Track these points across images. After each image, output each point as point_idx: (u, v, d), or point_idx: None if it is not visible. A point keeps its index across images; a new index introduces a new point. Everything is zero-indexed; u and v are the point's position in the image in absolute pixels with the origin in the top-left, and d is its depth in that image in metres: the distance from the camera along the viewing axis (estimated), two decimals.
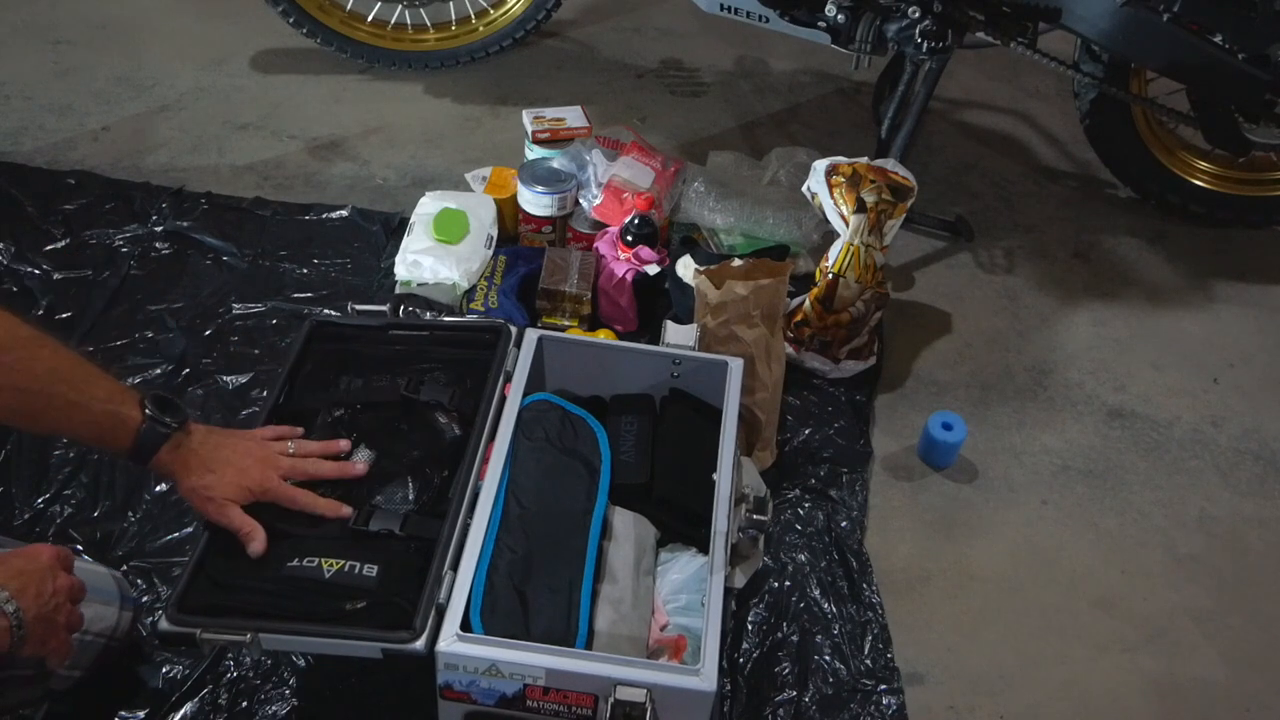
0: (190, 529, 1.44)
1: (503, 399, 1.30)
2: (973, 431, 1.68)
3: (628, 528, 1.26)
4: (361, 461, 1.22)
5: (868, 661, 1.39)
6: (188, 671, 1.29)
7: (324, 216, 1.99)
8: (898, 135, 1.97)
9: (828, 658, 1.39)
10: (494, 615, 1.11)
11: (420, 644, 1.04)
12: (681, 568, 1.26)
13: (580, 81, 2.46)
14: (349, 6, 2.32)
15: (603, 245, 1.81)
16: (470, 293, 1.75)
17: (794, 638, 1.40)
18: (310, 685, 1.30)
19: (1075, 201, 2.24)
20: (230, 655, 1.31)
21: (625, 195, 1.83)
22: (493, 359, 1.33)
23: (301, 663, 1.32)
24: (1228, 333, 1.96)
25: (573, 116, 2.03)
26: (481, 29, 2.40)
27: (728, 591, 1.34)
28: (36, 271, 1.82)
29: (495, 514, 1.19)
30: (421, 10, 2.36)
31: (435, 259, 1.73)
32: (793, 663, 1.38)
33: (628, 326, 1.79)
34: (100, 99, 2.27)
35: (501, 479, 1.22)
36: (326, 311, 1.75)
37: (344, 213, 1.99)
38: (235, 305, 1.79)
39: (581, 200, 1.88)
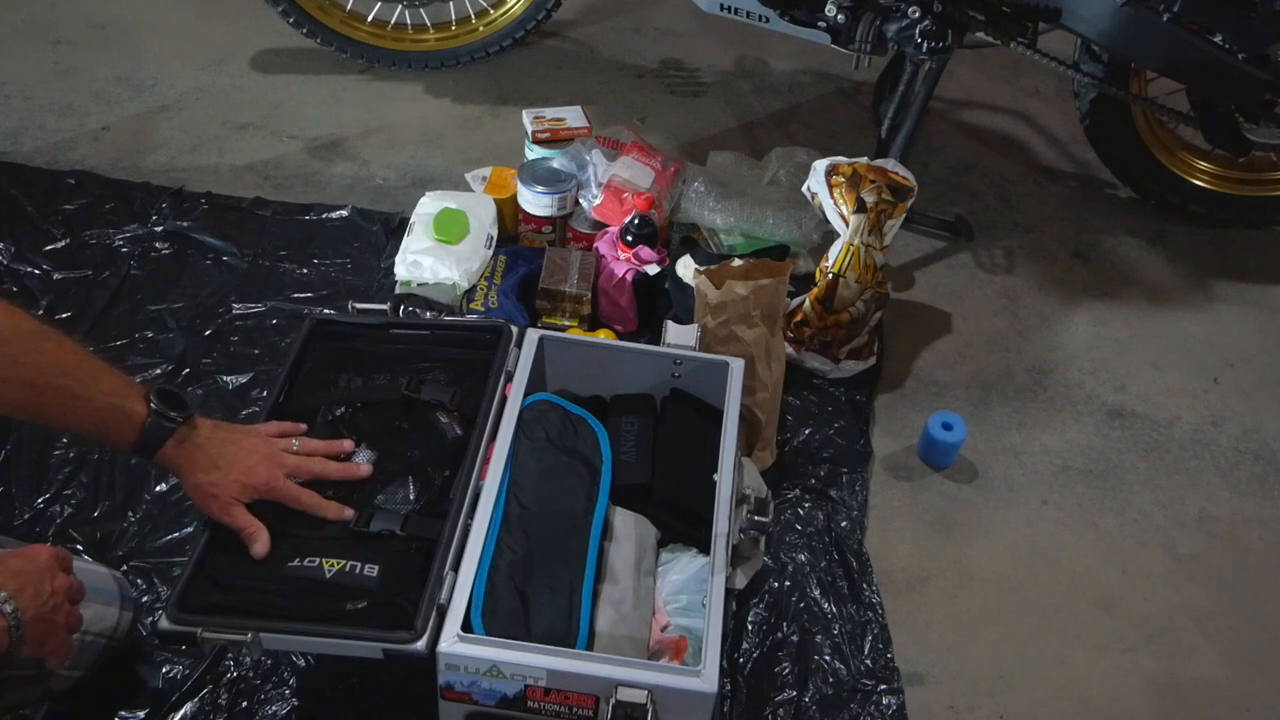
0: (190, 529, 1.44)
1: (503, 399, 1.30)
2: (973, 431, 1.68)
3: (628, 528, 1.26)
4: (365, 463, 1.22)
5: (868, 661, 1.39)
6: (188, 671, 1.29)
7: (324, 216, 1.99)
8: (898, 135, 1.97)
9: (828, 658, 1.39)
10: (495, 616, 1.11)
11: (421, 644, 1.04)
12: (682, 568, 1.26)
13: (580, 81, 2.46)
14: (349, 6, 2.32)
15: (603, 245, 1.81)
16: (470, 293, 1.75)
17: (794, 638, 1.40)
18: (310, 685, 1.30)
19: (1075, 201, 2.24)
20: (230, 655, 1.31)
21: (625, 195, 1.83)
22: (493, 359, 1.33)
23: (301, 663, 1.32)
24: (1228, 333, 1.96)
25: (573, 116, 2.03)
26: (481, 29, 2.40)
27: (728, 592, 1.34)
28: (36, 271, 1.82)
29: (496, 514, 1.19)
30: (421, 10, 2.36)
31: (435, 259, 1.73)
32: (793, 663, 1.38)
33: (628, 326, 1.79)
34: (100, 99, 2.27)
35: (502, 479, 1.22)
36: (327, 311, 1.75)
37: (344, 213, 1.99)
38: (235, 305, 1.79)
39: (581, 200, 1.88)
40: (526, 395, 1.32)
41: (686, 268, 1.75)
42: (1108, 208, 2.23)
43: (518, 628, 1.11)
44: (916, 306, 1.95)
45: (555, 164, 1.91)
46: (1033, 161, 2.35)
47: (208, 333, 1.74)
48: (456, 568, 1.12)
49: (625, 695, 1.04)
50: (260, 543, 1.11)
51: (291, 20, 2.26)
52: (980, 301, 1.97)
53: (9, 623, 0.92)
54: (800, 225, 1.87)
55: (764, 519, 1.28)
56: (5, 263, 1.82)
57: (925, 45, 1.84)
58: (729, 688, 1.34)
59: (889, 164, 1.78)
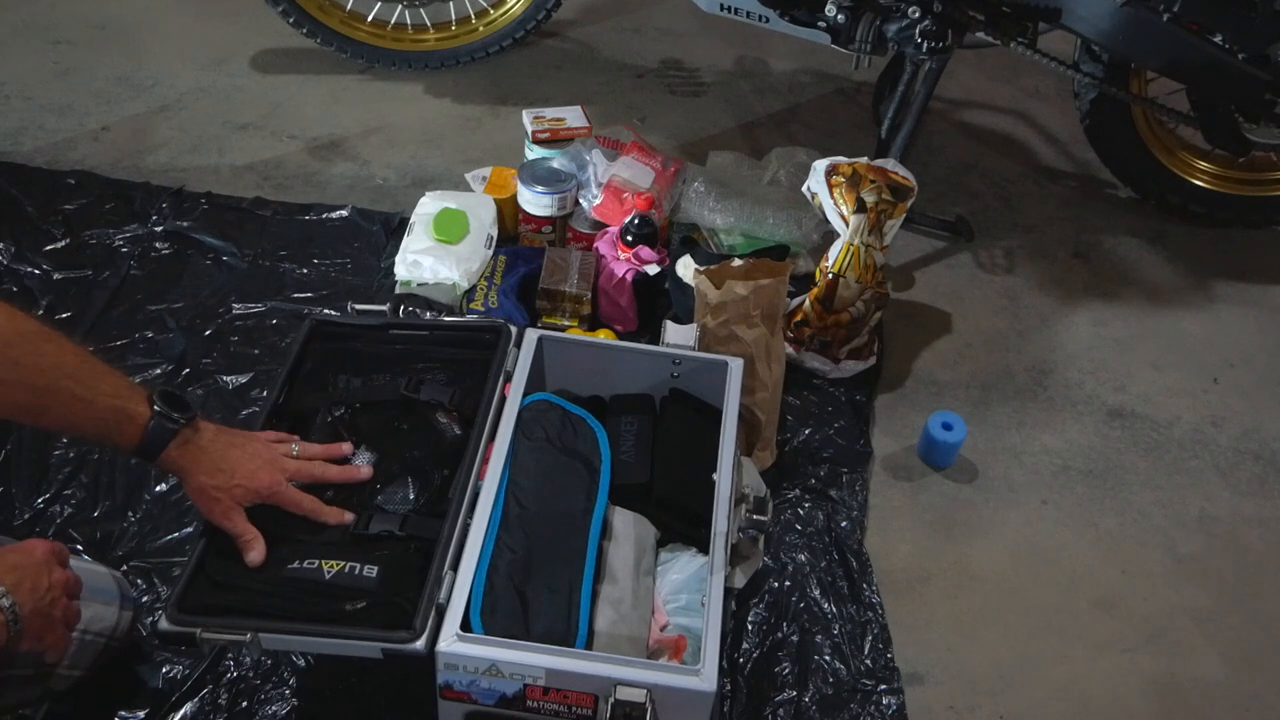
0: (190, 529, 1.44)
1: (503, 399, 1.30)
2: (973, 431, 1.68)
3: (628, 528, 1.26)
4: (365, 465, 1.22)
5: (868, 661, 1.39)
6: (188, 671, 1.29)
7: (324, 216, 1.99)
8: (898, 135, 1.97)
9: (828, 658, 1.39)
10: (494, 615, 1.11)
11: (420, 644, 1.04)
12: (681, 568, 1.26)
13: (580, 81, 2.46)
14: (349, 6, 2.32)
15: (603, 245, 1.81)
16: (470, 293, 1.75)
17: (794, 638, 1.40)
18: (310, 685, 1.30)
19: (1075, 201, 2.24)
20: (230, 655, 1.31)
21: (625, 195, 1.83)
22: (493, 359, 1.33)
23: (301, 663, 1.32)
24: (1228, 333, 1.96)
25: (573, 116, 2.03)
26: (481, 29, 2.40)
27: (728, 592, 1.34)
28: (36, 271, 1.82)
29: (495, 514, 1.19)
30: (421, 10, 2.36)
31: (435, 259, 1.73)
32: (793, 663, 1.38)
33: (628, 326, 1.79)
34: (100, 99, 2.27)
35: (501, 479, 1.22)
36: (326, 311, 1.75)
37: (344, 213, 1.99)
38: (235, 305, 1.79)
39: (581, 200, 1.88)
40: (526, 395, 1.32)
41: (686, 268, 1.75)
42: (1108, 208, 2.23)
43: (517, 627, 1.11)
44: (916, 306, 1.95)
45: (555, 164, 1.91)
46: (1033, 161, 2.35)
47: (208, 333, 1.74)
48: (455, 567, 1.12)
49: (624, 694, 1.04)
50: (255, 551, 1.11)
51: (291, 20, 2.26)
52: (980, 301, 1.97)
53: (7, 617, 0.92)
54: (800, 225, 1.87)
55: (763, 518, 1.28)
56: (5, 263, 1.82)
57: (925, 45, 1.84)
58: (729, 688, 1.34)
59: (889, 164, 1.78)
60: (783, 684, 1.36)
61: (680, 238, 1.94)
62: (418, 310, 1.45)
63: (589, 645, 1.13)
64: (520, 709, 1.09)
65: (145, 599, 1.36)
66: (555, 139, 1.99)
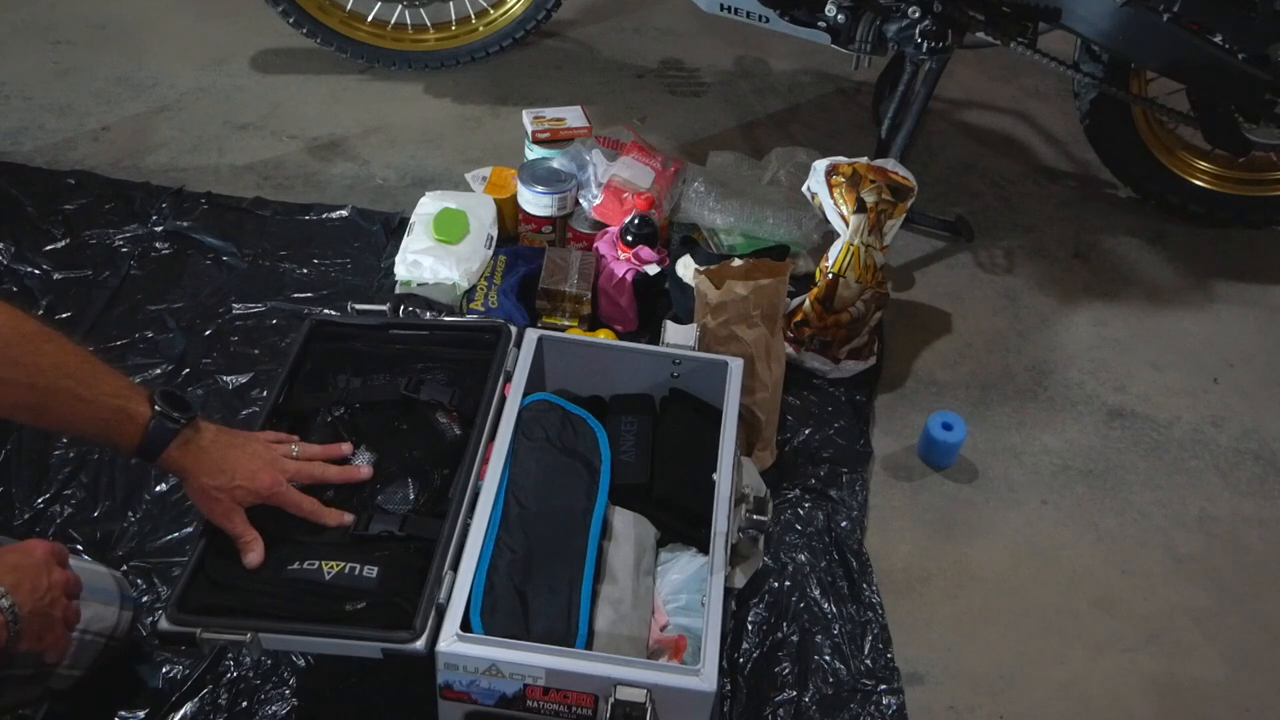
0: (190, 529, 1.44)
1: (503, 399, 1.30)
2: (973, 431, 1.68)
3: (628, 528, 1.26)
4: (365, 465, 1.22)
5: (868, 661, 1.39)
6: (188, 671, 1.29)
7: (324, 216, 1.99)
8: (898, 135, 1.97)
9: (828, 658, 1.39)
10: (494, 615, 1.11)
11: (420, 644, 1.04)
12: (681, 568, 1.26)
13: (580, 81, 2.46)
14: (349, 6, 2.32)
15: (603, 245, 1.81)
16: (470, 293, 1.75)
17: (794, 638, 1.40)
18: (310, 685, 1.30)
19: (1075, 201, 2.24)
20: (230, 655, 1.31)
21: (625, 195, 1.83)
22: (493, 359, 1.33)
23: (301, 663, 1.32)
24: (1228, 333, 1.96)
25: (573, 116, 2.03)
26: (481, 29, 2.40)
27: (728, 592, 1.34)
28: (36, 271, 1.82)
29: (495, 514, 1.19)
30: (421, 10, 2.36)
31: (435, 259, 1.73)
32: (793, 663, 1.38)
33: (628, 326, 1.79)
34: (100, 99, 2.27)
35: (501, 479, 1.22)
36: (326, 311, 1.75)
37: (344, 213, 1.99)
38: (235, 305, 1.79)
39: (581, 200, 1.88)
40: (526, 395, 1.32)
41: (686, 268, 1.75)
42: (1108, 208, 2.23)
43: (517, 627, 1.11)
44: (916, 306, 1.95)
45: (555, 164, 1.91)
46: (1033, 161, 2.35)
47: (208, 333, 1.74)
48: (455, 567, 1.12)
49: (624, 694, 1.04)
50: (254, 553, 1.11)
51: (291, 20, 2.26)
52: (980, 301, 1.97)
53: (6, 618, 0.92)
54: (800, 225, 1.87)
55: (763, 518, 1.28)
56: (5, 263, 1.82)
57: (925, 45, 1.84)
58: (729, 688, 1.34)
59: (889, 164, 1.78)
60: (783, 684, 1.36)
61: (680, 238, 1.94)
62: (418, 310, 1.45)
63: (589, 645, 1.13)
64: (520, 709, 1.09)
65: (145, 599, 1.36)
66: (555, 139, 1.99)
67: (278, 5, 2.23)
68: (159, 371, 1.67)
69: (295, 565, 1.11)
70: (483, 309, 1.72)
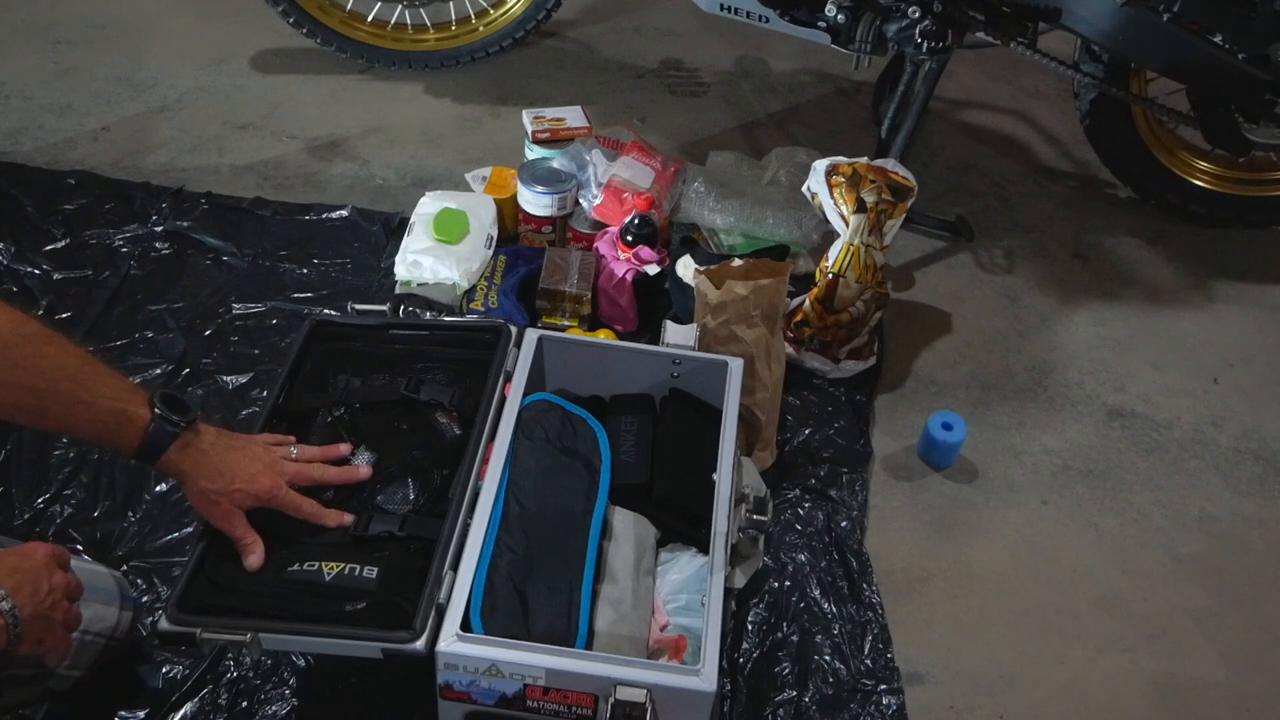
0: (190, 529, 1.44)
1: (503, 399, 1.30)
2: (973, 431, 1.68)
3: (628, 528, 1.26)
4: (365, 465, 1.22)
5: (868, 661, 1.39)
6: (188, 671, 1.29)
7: (324, 216, 1.99)
8: (898, 135, 1.97)
9: (828, 658, 1.39)
10: (494, 615, 1.11)
11: (420, 644, 1.04)
12: (681, 568, 1.26)
13: (580, 81, 2.46)
14: (349, 6, 2.32)
15: (603, 245, 1.81)
16: (470, 293, 1.75)
17: (794, 638, 1.40)
18: (310, 685, 1.30)
19: (1075, 201, 2.24)
20: (230, 655, 1.31)
21: (625, 195, 1.83)
22: (493, 359, 1.33)
23: (301, 663, 1.32)
24: (1228, 333, 1.96)
25: (573, 116, 2.03)
26: (481, 29, 2.40)
27: (728, 592, 1.34)
28: (36, 271, 1.82)
29: (495, 514, 1.19)
30: (421, 10, 2.36)
31: (435, 259, 1.73)
32: (793, 663, 1.38)
33: (628, 326, 1.79)
34: (100, 99, 2.27)
35: (501, 479, 1.22)
36: (326, 311, 1.75)
37: (344, 213, 1.99)
38: (235, 305, 1.79)
39: (581, 200, 1.88)
40: (526, 395, 1.32)
41: (686, 268, 1.75)
42: (1108, 208, 2.23)
43: (517, 627, 1.11)
44: (916, 306, 1.95)
45: (555, 164, 1.91)
46: (1033, 161, 2.35)
47: (208, 333, 1.74)
48: (455, 567, 1.12)
49: (624, 694, 1.04)
50: (255, 555, 1.11)
51: (291, 20, 2.26)
52: (980, 301, 1.97)
53: (7, 621, 0.92)
54: (800, 225, 1.87)
55: (763, 518, 1.28)
56: (5, 263, 1.82)
57: (925, 45, 1.84)
58: (729, 688, 1.34)
59: (889, 164, 1.78)
60: (783, 684, 1.36)
61: (680, 238, 1.94)
62: (418, 310, 1.45)
63: (589, 645, 1.13)
64: (520, 709, 1.09)
65: (145, 599, 1.36)
66: (555, 139, 1.99)
67: (278, 5, 2.23)
68: (159, 371, 1.67)
69: (295, 566, 1.11)
70: (483, 309, 1.72)
